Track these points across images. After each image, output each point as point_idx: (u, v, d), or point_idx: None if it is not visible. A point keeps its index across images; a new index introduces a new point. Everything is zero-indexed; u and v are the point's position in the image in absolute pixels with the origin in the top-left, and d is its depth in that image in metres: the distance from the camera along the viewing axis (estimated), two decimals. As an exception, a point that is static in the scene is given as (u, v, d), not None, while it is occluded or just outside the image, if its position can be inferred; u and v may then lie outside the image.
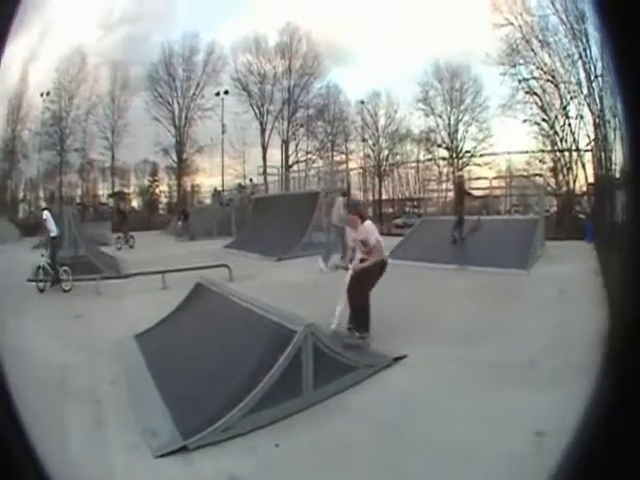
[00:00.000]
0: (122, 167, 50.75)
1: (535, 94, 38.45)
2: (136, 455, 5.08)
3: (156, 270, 15.10)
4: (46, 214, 15.74)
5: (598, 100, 28.97)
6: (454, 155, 44.34)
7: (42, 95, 45.80)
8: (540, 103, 38.45)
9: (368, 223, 8.80)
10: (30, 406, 5.61)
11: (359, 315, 8.36)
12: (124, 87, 48.73)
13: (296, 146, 49.59)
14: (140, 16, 49.18)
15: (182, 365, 7.23)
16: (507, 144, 40.71)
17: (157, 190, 52.77)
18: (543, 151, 38.41)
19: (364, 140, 48.04)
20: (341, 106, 49.04)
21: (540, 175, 34.66)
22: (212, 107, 48.85)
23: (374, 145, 47.77)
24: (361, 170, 44.23)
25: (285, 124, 49.29)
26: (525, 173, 36.24)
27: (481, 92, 43.77)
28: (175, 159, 50.76)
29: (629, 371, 1.28)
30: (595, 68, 31.06)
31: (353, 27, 45.51)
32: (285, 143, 49.26)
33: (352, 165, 44.47)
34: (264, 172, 44.08)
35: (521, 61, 38.60)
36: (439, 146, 45.31)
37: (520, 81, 38.57)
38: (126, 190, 52.23)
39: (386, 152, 47.38)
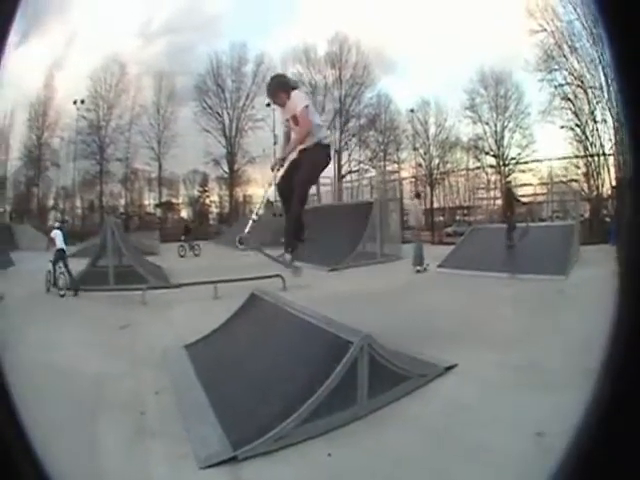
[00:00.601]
0: (170, 177, 51.17)
1: (569, 100, 38.58)
2: (181, 466, 5.11)
3: (207, 280, 15.14)
4: (54, 233, 17.79)
5: (615, 103, 29.08)
6: (501, 162, 44.11)
7: (75, 103, 46.09)
8: (573, 108, 38.52)
9: (295, 92, 7.49)
10: (71, 417, 5.73)
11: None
12: (170, 98, 49.21)
13: (349, 156, 49.49)
14: (183, 26, 50.05)
15: (234, 375, 7.23)
16: (548, 150, 40.18)
17: (207, 200, 53.02)
18: (577, 157, 38.58)
19: (415, 149, 47.91)
20: (392, 115, 48.94)
21: (575, 181, 35.42)
22: (263, 118, 48.78)
23: (425, 154, 47.53)
24: (413, 179, 44.43)
25: (337, 134, 48.93)
26: (564, 179, 36.72)
27: (523, 99, 43.54)
28: (226, 170, 50.99)
29: (629, 371, 1.27)
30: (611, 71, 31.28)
31: (400, 36, 45.20)
32: (338, 153, 48.55)
33: (404, 174, 44.37)
34: (317, 182, 43.48)
35: (556, 67, 38.71)
36: (487, 154, 45.14)
37: (556, 87, 38.76)
38: (174, 200, 52.76)
39: (437, 160, 47.17)
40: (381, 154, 49.07)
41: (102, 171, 48.49)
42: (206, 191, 52.50)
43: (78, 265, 19.01)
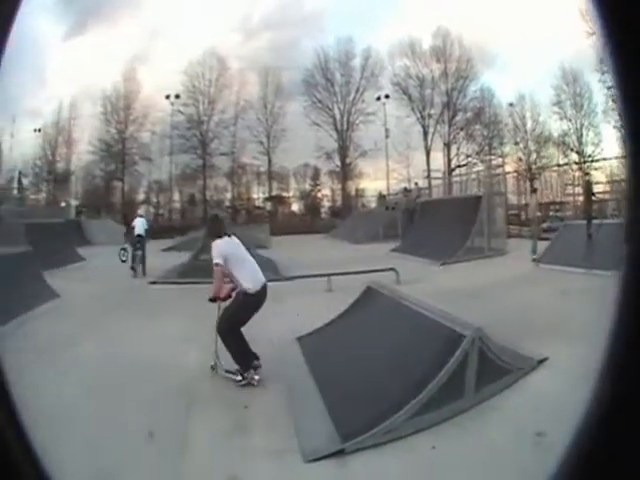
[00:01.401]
0: (279, 171, 51.90)
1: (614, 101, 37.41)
2: (286, 459, 5.19)
3: (319, 273, 15.32)
4: (136, 220, 20.02)
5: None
6: (581, 159, 43.89)
7: (168, 97, 47.48)
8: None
9: (215, 243, 7.96)
10: (175, 409, 6.22)
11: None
12: (277, 92, 49.93)
13: (457, 149, 49.58)
14: (284, 22, 50.52)
15: (347, 367, 7.36)
16: (613, 149, 39.41)
17: (319, 194, 53.58)
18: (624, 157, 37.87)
19: (516, 143, 47.89)
20: (495, 109, 48.81)
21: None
22: (374, 112, 49.40)
23: (524, 148, 47.47)
24: (515, 174, 44.25)
25: (446, 128, 49.32)
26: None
27: (592, 97, 43.55)
28: (338, 163, 51.32)
29: (629, 371, 1.29)
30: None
31: (497, 29, 44.51)
32: (447, 146, 49.23)
33: (507, 168, 43.86)
34: (428, 176, 44.05)
35: (605, 68, 37.69)
36: (571, 150, 44.97)
37: (608, 88, 37.62)
38: (284, 194, 53.52)
39: (534, 155, 47.11)
40: (486, 148, 48.86)
41: (205, 165, 49.47)
42: (318, 185, 53.01)
43: (178, 258, 19.85)
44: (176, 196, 52.25)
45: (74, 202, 44.63)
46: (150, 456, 5.28)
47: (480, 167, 42.89)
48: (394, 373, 6.40)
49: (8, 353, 8.31)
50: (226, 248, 7.85)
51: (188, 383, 7.43)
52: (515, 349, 7.16)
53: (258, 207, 52.56)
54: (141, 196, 51.82)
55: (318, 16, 51.41)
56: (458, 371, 5.77)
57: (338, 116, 50.74)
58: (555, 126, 46.28)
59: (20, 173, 45.05)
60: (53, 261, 18.59)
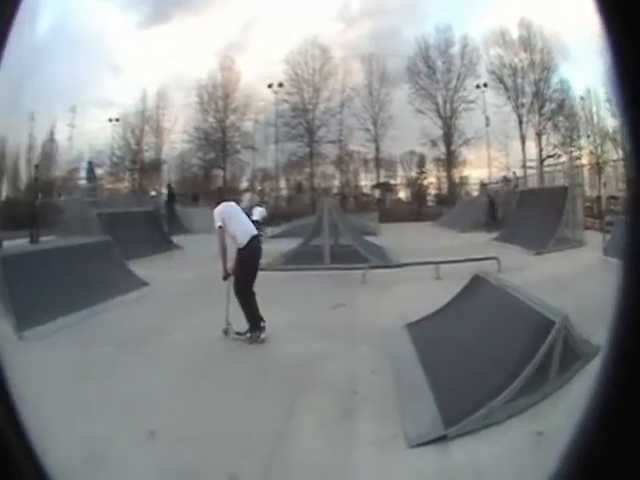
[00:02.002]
0: (387, 158, 52.07)
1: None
2: (389, 446, 5.30)
3: (427, 261, 15.42)
4: (255, 209, 22.23)
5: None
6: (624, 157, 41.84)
7: (270, 86, 48.13)
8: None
9: (217, 208, 9.44)
10: (284, 396, 6.58)
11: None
12: (383, 80, 50.16)
13: (547, 140, 49.14)
14: (383, 10, 50.41)
15: (454, 354, 7.49)
16: None
17: (425, 182, 53.57)
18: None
19: (588, 136, 47.32)
20: (571, 101, 48.16)
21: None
22: (474, 100, 49.43)
23: (593, 142, 46.81)
24: (589, 166, 43.35)
25: (537, 117, 48.99)
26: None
27: None
28: (444, 151, 51.57)
29: (629, 371, 1.30)
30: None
31: (571, 22, 43.32)
32: (538, 136, 48.92)
33: (583, 161, 43.73)
34: (524, 165, 44.87)
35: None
36: (619, 147, 42.99)
37: None
38: (392, 181, 53.59)
39: (599, 149, 46.35)
40: (568, 140, 48.53)
41: (312, 153, 50.16)
42: (423, 172, 52.95)
43: (287, 244, 20.22)
44: (282, 184, 52.97)
45: (165, 191, 44.81)
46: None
47: (564, 158, 43.34)
48: (494, 359, 6.54)
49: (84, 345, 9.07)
50: (222, 210, 9.32)
51: (297, 371, 7.58)
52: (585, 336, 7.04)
53: (366, 194, 52.88)
54: (244, 184, 52.83)
55: (414, 4, 51.24)
56: (547, 356, 5.89)
57: (441, 103, 50.85)
58: (609, 122, 45.20)
59: (91, 163, 46.10)
60: (143, 250, 19.25)
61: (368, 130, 50.24)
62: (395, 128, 49.25)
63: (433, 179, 53.49)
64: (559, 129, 48.89)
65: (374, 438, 5.49)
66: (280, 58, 48.45)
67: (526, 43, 48.31)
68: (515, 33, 48.49)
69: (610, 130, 45.04)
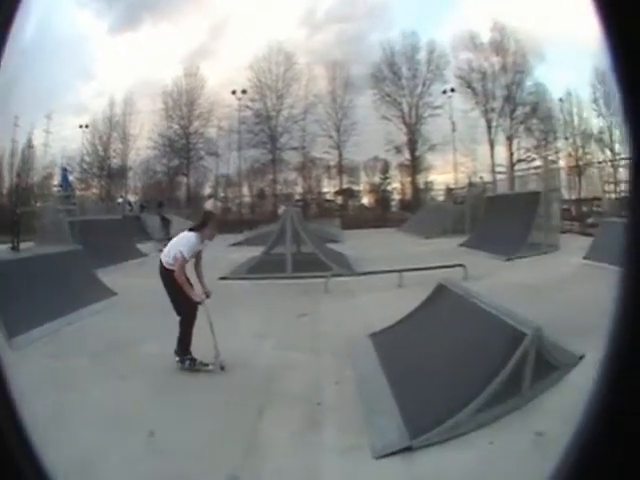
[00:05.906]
0: (350, 165, 51.93)
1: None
2: (354, 457, 5.36)
3: (391, 269, 15.34)
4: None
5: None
6: (612, 157, 42.81)
7: (234, 93, 47.58)
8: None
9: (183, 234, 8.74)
10: (245, 404, 6.61)
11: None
12: (347, 86, 50.17)
13: (518, 144, 49.29)
14: (349, 16, 50.85)
15: (418, 364, 7.53)
16: None
17: (389, 187, 53.39)
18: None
19: (566, 138, 47.76)
20: (547, 104, 48.43)
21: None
22: (441, 105, 49.37)
23: (573, 144, 47.32)
24: (567, 169, 44.14)
25: (508, 121, 49.20)
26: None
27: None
28: (408, 157, 51.39)
29: (629, 371, 1.31)
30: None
31: (547, 25, 43.96)
32: (509, 140, 49.15)
33: (561, 163, 44.43)
34: (492, 170, 45.00)
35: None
36: (606, 147, 44.54)
37: None
38: (355, 187, 53.47)
39: (580, 151, 46.92)
40: (543, 143, 48.75)
41: (275, 159, 50.04)
42: (387, 178, 52.86)
43: (248, 252, 20.16)
44: (245, 190, 52.62)
45: (132, 198, 45.13)
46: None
47: (538, 162, 43.54)
48: (461, 370, 6.57)
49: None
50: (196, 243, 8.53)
51: (259, 382, 7.58)
52: (562, 345, 7.20)
53: (329, 200, 52.83)
54: (207, 190, 52.72)
55: (381, 9, 51.86)
56: (517, 368, 5.92)
57: (406, 110, 50.71)
58: (594, 123, 46.29)
59: (65, 170, 43.94)
60: (111, 258, 19.06)
61: (331, 137, 50.28)
62: (358, 135, 49.26)
63: (397, 184, 53.48)
64: (533, 132, 49.18)
65: (340, 449, 5.52)
66: (245, 64, 48.44)
67: (498, 47, 48.50)
68: (486, 37, 48.58)
69: (595, 131, 46.06)
